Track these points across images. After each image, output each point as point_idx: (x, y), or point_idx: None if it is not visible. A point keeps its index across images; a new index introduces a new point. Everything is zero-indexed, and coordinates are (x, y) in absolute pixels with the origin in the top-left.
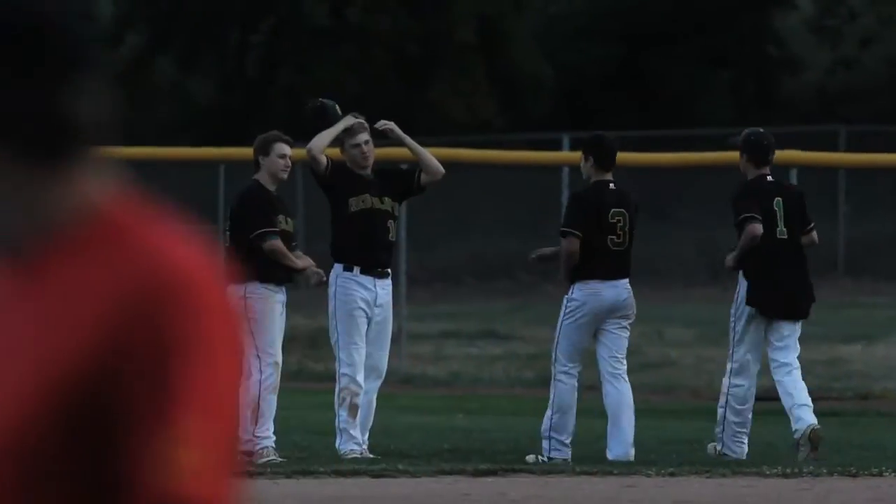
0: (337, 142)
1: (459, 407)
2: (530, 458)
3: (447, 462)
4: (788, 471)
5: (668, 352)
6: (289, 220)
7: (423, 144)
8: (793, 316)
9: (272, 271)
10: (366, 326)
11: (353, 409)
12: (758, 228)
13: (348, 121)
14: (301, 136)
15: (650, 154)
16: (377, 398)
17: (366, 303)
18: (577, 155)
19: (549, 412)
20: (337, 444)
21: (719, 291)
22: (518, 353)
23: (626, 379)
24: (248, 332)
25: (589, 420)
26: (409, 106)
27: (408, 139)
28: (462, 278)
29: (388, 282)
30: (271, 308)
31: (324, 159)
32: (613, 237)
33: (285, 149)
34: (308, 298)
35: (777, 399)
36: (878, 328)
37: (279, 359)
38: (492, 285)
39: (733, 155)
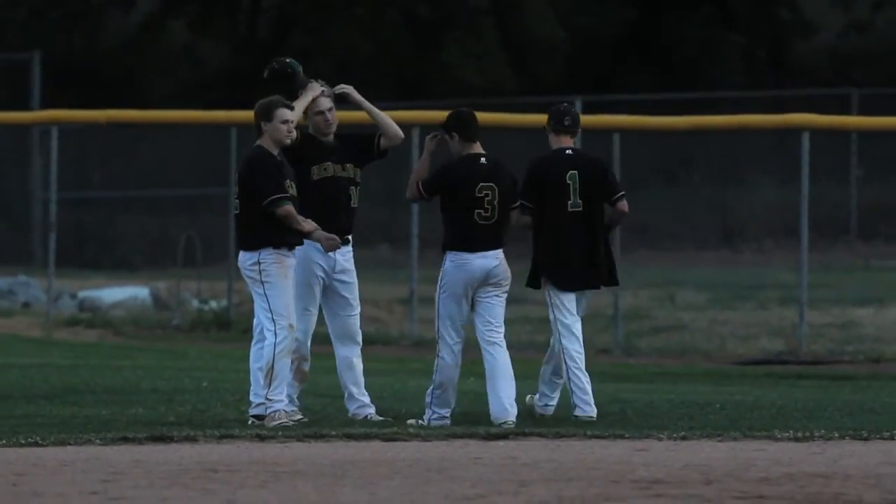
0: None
1: (471, 371)
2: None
3: (458, 426)
4: (800, 434)
5: (680, 315)
6: (293, 184)
7: (434, 108)
8: (581, 287)
9: (284, 236)
10: (319, 293)
11: (301, 374)
12: (525, 220)
13: (315, 90)
14: None
15: (662, 117)
16: (386, 362)
17: (323, 270)
18: (589, 118)
19: (430, 388)
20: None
21: (731, 254)
22: (530, 317)
23: (502, 344)
24: (263, 296)
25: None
26: (421, 68)
27: (366, 103)
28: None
29: (349, 248)
30: (285, 273)
31: (295, 134)
32: (481, 211)
33: (287, 114)
34: None
35: (787, 363)
36: (891, 291)
37: (294, 322)
38: (505, 249)
39: (745, 118)
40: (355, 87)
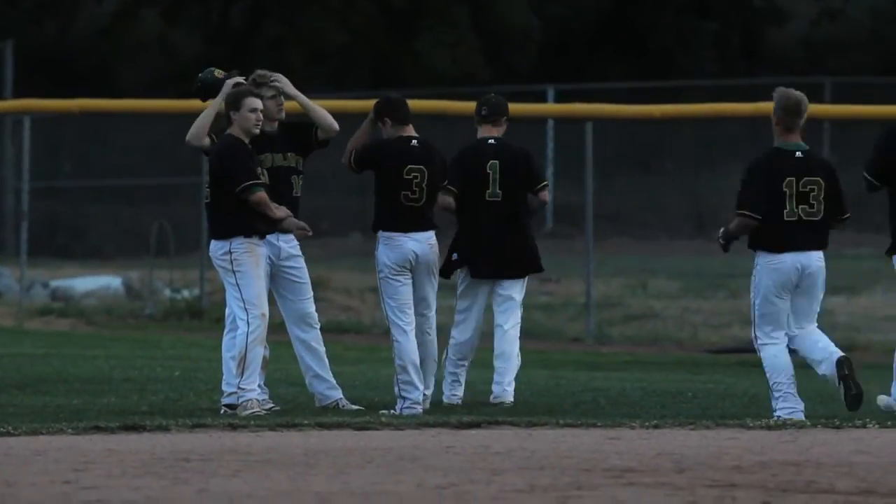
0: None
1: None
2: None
3: (430, 414)
4: (772, 423)
5: (653, 304)
6: (264, 172)
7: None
8: (491, 276)
9: (255, 225)
10: (267, 281)
11: (263, 361)
12: (448, 201)
13: (226, 90)
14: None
15: (635, 106)
16: (359, 350)
17: (268, 258)
18: (563, 107)
19: (395, 377)
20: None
21: (703, 243)
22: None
23: (431, 331)
24: (235, 285)
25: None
26: (394, 57)
27: (300, 96)
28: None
29: (292, 236)
30: (256, 261)
31: (207, 141)
32: (408, 193)
33: (256, 103)
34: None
35: (755, 351)
36: (863, 280)
37: (266, 310)
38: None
39: (718, 107)
40: (329, 77)
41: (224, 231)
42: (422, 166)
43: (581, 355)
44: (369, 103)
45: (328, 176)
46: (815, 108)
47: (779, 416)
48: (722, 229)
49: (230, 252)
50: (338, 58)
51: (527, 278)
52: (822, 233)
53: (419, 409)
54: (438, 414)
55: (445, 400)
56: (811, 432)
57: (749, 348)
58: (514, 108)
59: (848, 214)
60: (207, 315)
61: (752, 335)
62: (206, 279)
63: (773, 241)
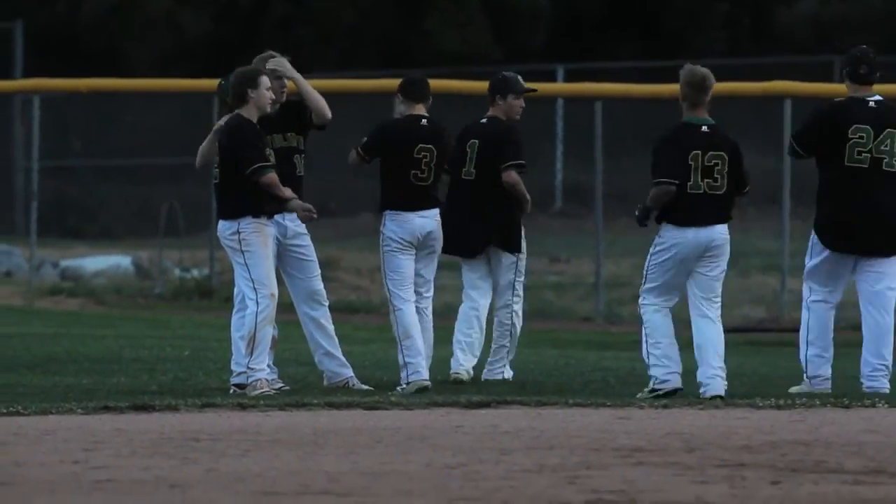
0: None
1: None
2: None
3: (440, 394)
4: (781, 402)
5: None
6: (272, 152)
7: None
8: (464, 253)
9: (263, 205)
10: (274, 261)
11: (272, 341)
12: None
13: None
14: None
15: (645, 85)
16: (368, 330)
17: (273, 237)
18: (572, 86)
19: (399, 347)
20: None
21: None
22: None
23: (428, 313)
24: (244, 265)
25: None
26: (403, 37)
27: (299, 78)
28: None
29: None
30: (265, 241)
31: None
32: (417, 172)
33: (268, 80)
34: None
35: (769, 330)
36: None
37: (275, 290)
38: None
39: (728, 86)
40: (337, 57)
41: (232, 211)
42: (431, 146)
43: (591, 335)
44: (377, 83)
45: (338, 155)
46: (824, 87)
47: (655, 378)
48: (639, 206)
49: (238, 232)
50: (347, 38)
51: (518, 256)
52: (726, 207)
53: (424, 373)
54: (447, 393)
55: (452, 371)
56: (820, 412)
57: (758, 327)
58: None
59: (748, 188)
60: (217, 295)
61: (640, 294)
62: (216, 259)
63: (678, 215)
